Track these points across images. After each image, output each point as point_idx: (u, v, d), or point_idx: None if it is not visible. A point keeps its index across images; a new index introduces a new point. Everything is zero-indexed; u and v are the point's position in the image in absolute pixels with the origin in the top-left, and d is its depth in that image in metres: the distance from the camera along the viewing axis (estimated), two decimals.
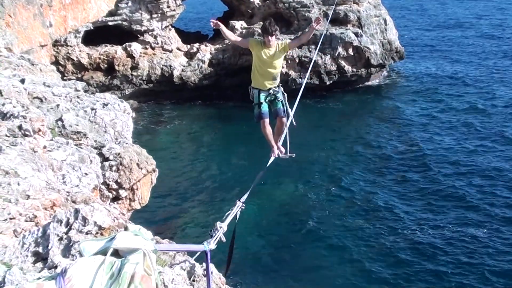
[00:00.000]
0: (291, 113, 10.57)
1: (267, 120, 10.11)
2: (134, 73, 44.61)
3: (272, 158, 10.12)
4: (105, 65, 44.52)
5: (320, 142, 35.10)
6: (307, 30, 10.89)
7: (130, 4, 44.27)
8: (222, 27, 9.66)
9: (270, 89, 10.28)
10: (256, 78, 10.30)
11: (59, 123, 11.45)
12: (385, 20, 48.54)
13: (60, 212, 5.74)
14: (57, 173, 9.42)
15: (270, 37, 9.92)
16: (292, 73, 44.41)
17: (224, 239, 6.25)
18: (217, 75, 46.25)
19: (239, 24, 48.44)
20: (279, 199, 28.58)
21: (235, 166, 32.44)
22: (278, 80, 10.43)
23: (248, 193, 7.94)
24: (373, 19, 47.52)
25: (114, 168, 10.98)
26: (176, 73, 45.25)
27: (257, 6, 48.50)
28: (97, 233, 5.37)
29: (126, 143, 11.92)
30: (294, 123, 10.59)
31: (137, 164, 11.46)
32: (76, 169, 9.94)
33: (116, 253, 4.11)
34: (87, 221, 5.44)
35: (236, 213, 7.13)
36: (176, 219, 27.05)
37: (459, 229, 24.67)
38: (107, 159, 11.05)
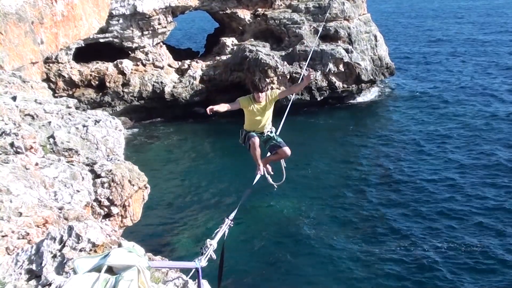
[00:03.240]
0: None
1: (257, 140, 10.11)
2: (126, 90, 44.65)
3: (258, 176, 10.13)
4: (96, 82, 44.57)
5: (310, 159, 35.11)
6: (299, 82, 11.01)
7: (121, 21, 44.41)
8: (216, 108, 9.66)
9: (263, 132, 10.42)
10: (249, 127, 10.41)
11: (51, 140, 11.44)
12: (375, 36, 48.86)
13: (54, 229, 5.74)
14: (49, 190, 9.40)
15: (260, 94, 10.02)
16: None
17: (214, 256, 6.27)
18: (208, 92, 46.33)
19: (230, 41, 48.69)
20: (269, 215, 28.55)
21: (226, 183, 32.43)
22: (271, 124, 10.57)
23: (236, 210, 7.96)
24: (364, 35, 47.83)
25: (106, 185, 10.95)
26: (167, 89, 45.33)
27: (248, 22, 48.77)
28: (90, 250, 5.37)
29: (118, 160, 11.91)
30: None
31: (129, 181, 11.44)
32: (68, 186, 9.91)
33: (110, 270, 4.12)
34: (80, 238, 5.44)
35: (225, 230, 7.16)
36: (168, 235, 26.98)
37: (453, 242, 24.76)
38: (98, 176, 11.02)
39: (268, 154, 10.62)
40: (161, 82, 45.48)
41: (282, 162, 10.82)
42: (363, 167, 34.10)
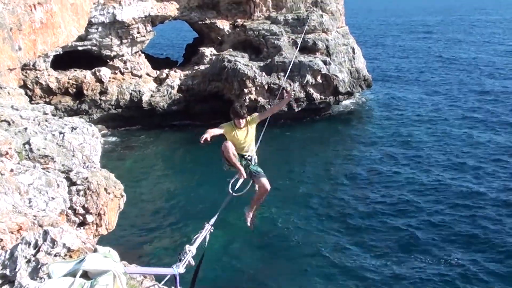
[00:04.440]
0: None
1: (229, 143, 10.08)
2: (103, 98, 44.46)
3: (240, 180, 10.09)
4: (74, 90, 44.30)
5: (287, 170, 35.19)
6: (279, 102, 11.01)
7: (100, 29, 44.26)
8: (208, 135, 9.57)
9: (244, 155, 10.40)
10: None
11: (27, 146, 11.35)
12: (353, 49, 49.27)
13: (29, 234, 5.69)
14: (23, 197, 9.32)
15: (241, 120, 10.05)
16: (261, 99, 44.63)
17: (193, 262, 6.25)
18: (186, 101, 46.30)
19: (208, 51, 48.71)
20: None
21: (204, 191, 32.27)
22: (254, 147, 10.55)
23: (216, 216, 7.96)
24: (341, 47, 48.20)
25: (81, 192, 10.87)
26: (145, 98, 45.22)
27: (227, 33, 48.91)
28: (66, 255, 5.32)
29: (94, 168, 11.84)
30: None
31: (105, 189, 11.36)
32: (43, 193, 9.83)
33: (86, 275, 4.09)
34: (56, 243, 5.39)
35: (206, 236, 7.14)
36: (143, 244, 26.80)
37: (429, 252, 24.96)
38: (74, 184, 10.93)
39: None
40: (139, 91, 45.36)
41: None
42: (341, 178, 34.25)
